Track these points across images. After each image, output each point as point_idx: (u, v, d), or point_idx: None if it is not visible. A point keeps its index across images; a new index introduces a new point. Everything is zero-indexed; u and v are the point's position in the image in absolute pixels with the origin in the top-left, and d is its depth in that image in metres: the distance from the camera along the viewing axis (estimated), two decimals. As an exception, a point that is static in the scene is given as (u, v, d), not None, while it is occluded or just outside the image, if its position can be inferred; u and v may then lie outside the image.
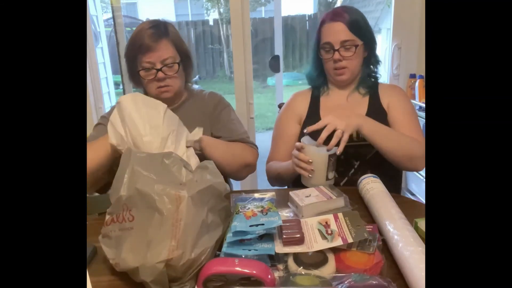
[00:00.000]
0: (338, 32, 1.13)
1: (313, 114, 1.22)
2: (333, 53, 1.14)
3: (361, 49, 1.15)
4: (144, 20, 1.19)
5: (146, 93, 1.19)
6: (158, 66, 1.09)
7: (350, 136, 1.08)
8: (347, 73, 1.16)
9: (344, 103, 1.22)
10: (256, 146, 1.19)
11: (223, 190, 0.74)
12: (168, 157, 0.72)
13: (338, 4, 8.74)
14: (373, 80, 1.23)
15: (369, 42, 1.17)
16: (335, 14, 1.14)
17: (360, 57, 1.16)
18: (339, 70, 1.16)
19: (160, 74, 1.09)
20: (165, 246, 0.63)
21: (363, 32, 1.14)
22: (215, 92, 1.29)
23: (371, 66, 1.22)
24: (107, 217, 0.73)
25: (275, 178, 1.20)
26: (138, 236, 0.66)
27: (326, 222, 0.76)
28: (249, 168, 1.14)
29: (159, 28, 1.10)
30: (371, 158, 1.14)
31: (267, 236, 0.71)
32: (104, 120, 1.14)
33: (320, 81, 1.25)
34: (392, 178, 1.18)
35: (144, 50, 1.08)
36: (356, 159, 1.15)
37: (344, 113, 1.02)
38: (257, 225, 0.70)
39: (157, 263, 0.62)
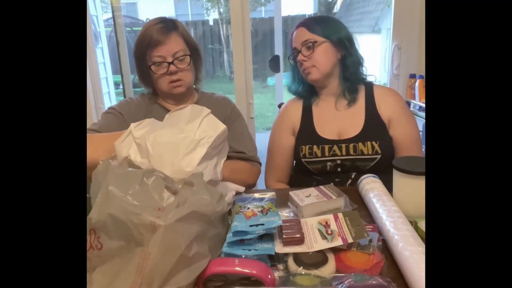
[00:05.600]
0: (299, 35, 1.17)
1: (307, 124, 1.21)
2: (298, 56, 1.17)
3: (323, 46, 1.14)
4: (145, 20, 1.19)
5: (156, 91, 1.18)
6: (170, 59, 1.07)
7: (348, 150, 1.12)
8: (315, 72, 1.16)
9: (340, 113, 1.20)
10: (260, 163, 1.20)
11: (212, 213, 0.65)
12: (149, 176, 0.64)
13: (338, 4, 8.72)
14: (357, 83, 1.20)
15: (340, 41, 1.15)
16: (300, 23, 1.19)
17: (325, 55, 1.15)
18: (306, 70, 1.17)
19: (172, 67, 1.08)
20: (129, 281, 0.57)
21: (326, 31, 1.14)
22: (228, 98, 1.28)
23: (350, 67, 1.18)
24: None
25: None
26: (106, 263, 0.61)
27: (326, 222, 0.76)
28: (250, 186, 1.14)
29: (167, 23, 1.10)
30: (368, 170, 1.13)
31: (267, 236, 0.71)
32: (114, 111, 1.13)
33: (303, 90, 1.25)
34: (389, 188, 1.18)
35: (153, 44, 1.07)
36: (353, 171, 1.15)
37: None
38: (257, 225, 0.69)
39: None
